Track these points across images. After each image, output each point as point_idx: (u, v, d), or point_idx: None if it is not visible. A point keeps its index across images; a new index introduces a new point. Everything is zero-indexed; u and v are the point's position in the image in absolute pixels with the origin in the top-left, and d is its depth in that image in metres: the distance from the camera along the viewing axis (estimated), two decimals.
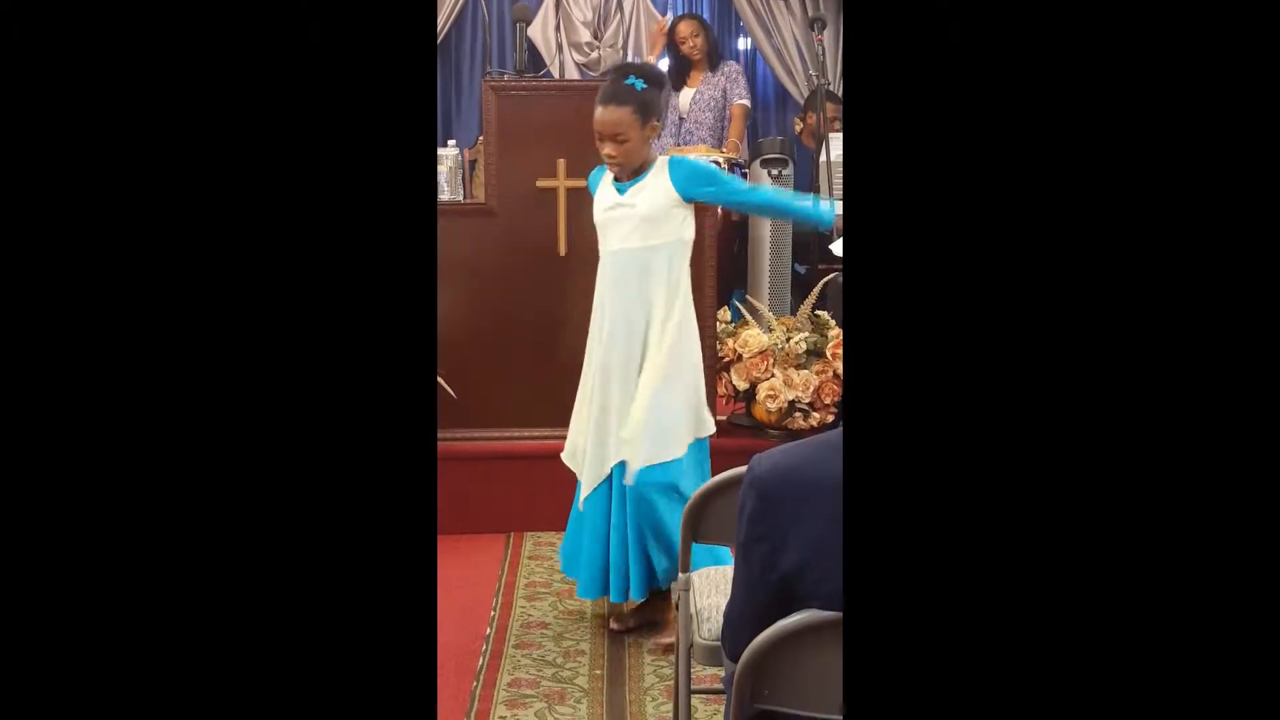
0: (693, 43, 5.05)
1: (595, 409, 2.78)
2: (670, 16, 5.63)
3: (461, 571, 3.24)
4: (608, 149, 2.67)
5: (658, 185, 2.72)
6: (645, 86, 2.66)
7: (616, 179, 2.75)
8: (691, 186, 2.72)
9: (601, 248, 2.80)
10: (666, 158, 2.77)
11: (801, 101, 5.59)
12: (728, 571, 2.11)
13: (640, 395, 2.71)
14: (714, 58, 5.14)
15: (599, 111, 2.66)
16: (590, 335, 2.85)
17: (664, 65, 5.26)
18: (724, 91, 5.09)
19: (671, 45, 5.18)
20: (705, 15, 5.83)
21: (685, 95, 5.12)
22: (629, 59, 5.53)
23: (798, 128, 5.40)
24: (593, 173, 2.86)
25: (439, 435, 3.50)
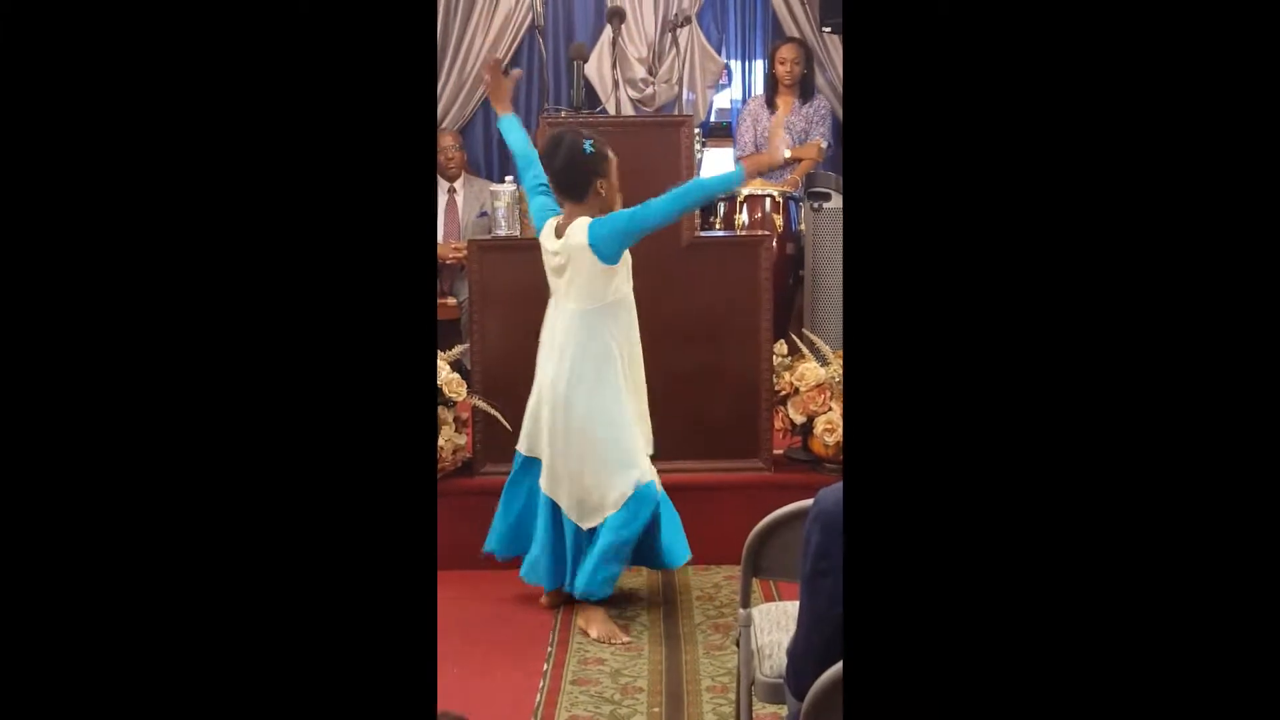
0: (791, 67, 5.08)
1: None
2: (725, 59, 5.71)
3: (515, 608, 3.23)
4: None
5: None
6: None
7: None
8: (604, 244, 2.95)
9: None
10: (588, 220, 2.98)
11: None
12: (788, 608, 2.08)
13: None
14: (807, 89, 5.16)
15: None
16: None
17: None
18: (809, 126, 5.12)
19: (770, 66, 5.23)
20: (759, 50, 5.85)
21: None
22: (684, 96, 5.55)
23: None
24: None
25: (493, 469, 3.50)
